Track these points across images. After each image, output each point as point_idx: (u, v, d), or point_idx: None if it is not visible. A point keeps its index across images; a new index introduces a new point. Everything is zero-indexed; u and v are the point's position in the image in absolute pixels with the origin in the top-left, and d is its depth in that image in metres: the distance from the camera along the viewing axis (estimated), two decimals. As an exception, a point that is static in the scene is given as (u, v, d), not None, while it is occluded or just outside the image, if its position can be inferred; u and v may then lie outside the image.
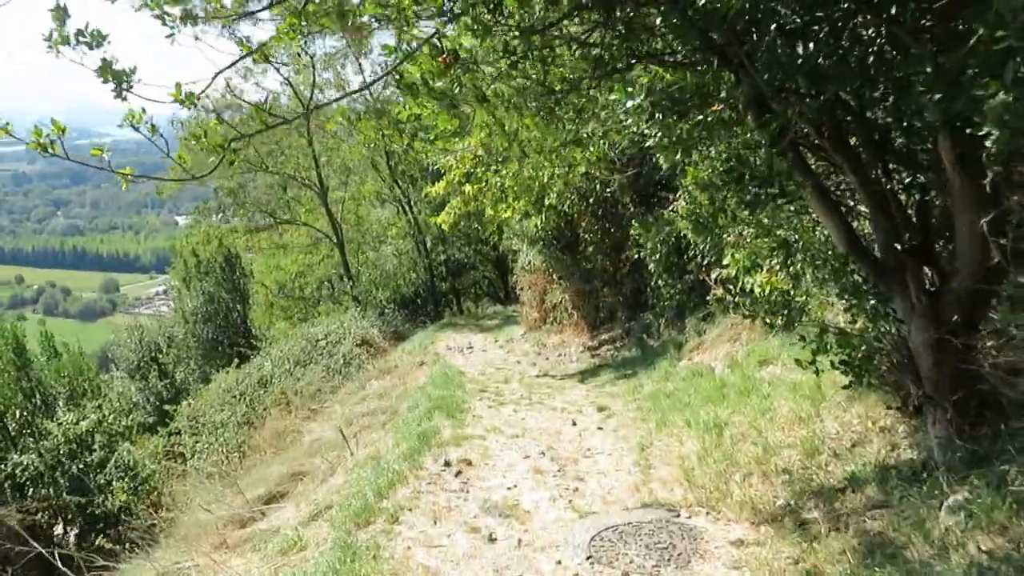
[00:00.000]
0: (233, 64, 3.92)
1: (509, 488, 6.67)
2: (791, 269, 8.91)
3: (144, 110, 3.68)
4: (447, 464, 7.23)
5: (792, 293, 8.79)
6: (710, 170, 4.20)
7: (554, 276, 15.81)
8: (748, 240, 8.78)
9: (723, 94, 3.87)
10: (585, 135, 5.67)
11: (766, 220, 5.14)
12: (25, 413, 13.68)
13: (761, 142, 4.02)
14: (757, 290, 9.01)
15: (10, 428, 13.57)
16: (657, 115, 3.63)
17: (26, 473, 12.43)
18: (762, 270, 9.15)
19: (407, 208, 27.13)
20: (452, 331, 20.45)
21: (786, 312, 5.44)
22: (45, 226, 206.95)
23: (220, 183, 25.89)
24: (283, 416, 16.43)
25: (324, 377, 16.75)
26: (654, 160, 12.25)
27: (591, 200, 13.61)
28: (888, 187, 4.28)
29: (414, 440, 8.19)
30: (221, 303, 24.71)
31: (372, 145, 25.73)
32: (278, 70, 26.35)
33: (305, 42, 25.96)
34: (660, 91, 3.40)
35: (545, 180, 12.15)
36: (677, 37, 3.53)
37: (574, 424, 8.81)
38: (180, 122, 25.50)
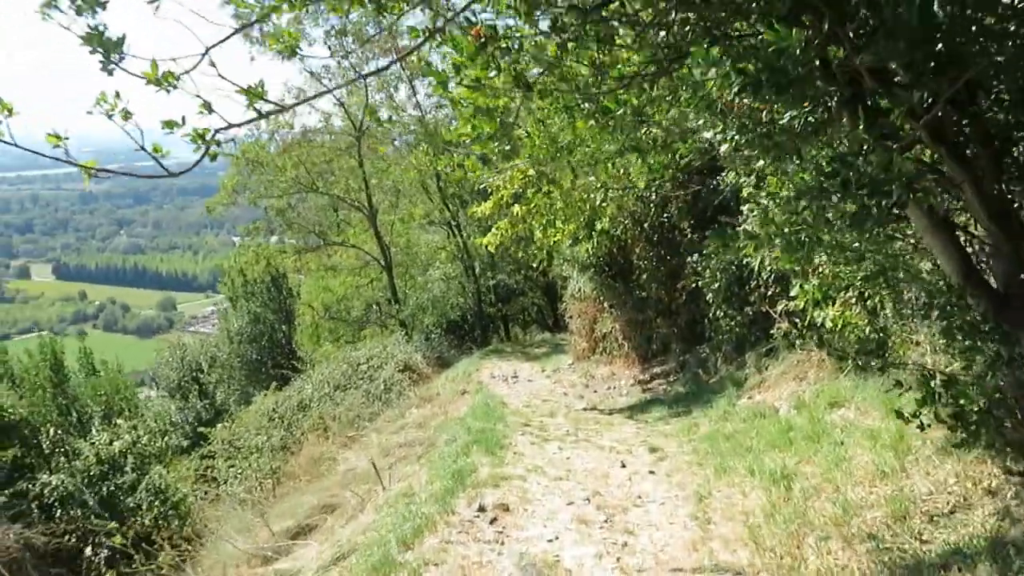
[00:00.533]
0: (221, 42, 3.32)
1: (550, 540, 5.95)
2: (868, 303, 8.09)
3: (118, 95, 3.09)
4: (482, 509, 6.54)
5: (868, 330, 7.98)
6: (805, 174, 3.46)
7: (605, 304, 15.09)
8: (823, 268, 8.01)
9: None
10: (644, 140, 4.94)
11: (856, 243, 4.35)
12: (59, 431, 13.36)
13: (870, 137, 3.28)
14: (828, 324, 8.21)
15: (44, 446, 13.25)
16: (743, 95, 2.93)
17: (55, 493, 12.06)
18: (834, 303, 8.34)
19: (456, 231, 26.70)
20: (497, 358, 19.80)
21: (882, 354, 4.57)
22: (108, 244, 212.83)
23: (270, 202, 25.77)
24: (320, 442, 15.95)
25: (364, 403, 16.22)
26: (715, 182, 11.54)
27: (645, 225, 12.90)
28: (1015, 205, 3.52)
29: (448, 479, 7.53)
30: (266, 324, 24.47)
31: (422, 168, 25.44)
32: (331, 91, 26.42)
33: (354, 61, 25.73)
34: (750, 53, 2.70)
35: (597, 203, 11.51)
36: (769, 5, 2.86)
37: (623, 466, 8.05)
38: (233, 140, 25.61)
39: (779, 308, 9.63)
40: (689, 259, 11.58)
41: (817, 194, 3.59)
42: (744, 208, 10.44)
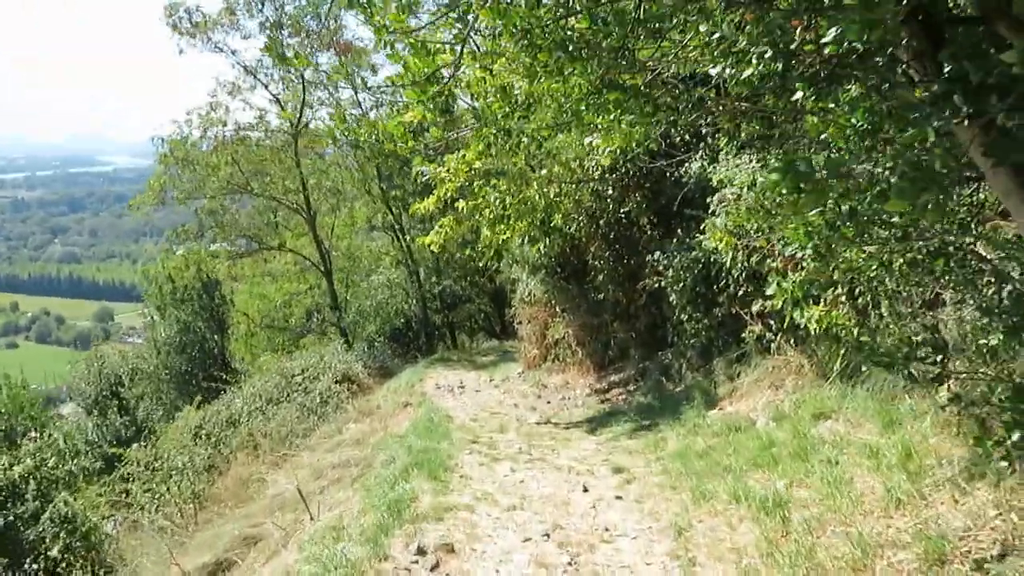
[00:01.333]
0: None
1: (503, 592, 4.90)
2: (860, 301, 7.23)
3: None
4: (421, 552, 5.43)
5: (857, 332, 7.13)
6: (857, 116, 2.48)
7: (557, 308, 14.12)
8: (805, 262, 7.07)
9: None
10: (628, 83, 3.88)
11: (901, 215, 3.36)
12: (-50, 455, 11.84)
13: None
14: (812, 327, 7.32)
15: (-69, 473, 11.72)
16: None
17: (-58, 526, 10.59)
18: (818, 302, 7.46)
19: (399, 235, 25.52)
20: (443, 368, 18.69)
21: (939, 360, 3.57)
22: (41, 253, 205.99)
23: (202, 204, 24.27)
24: (250, 461, 14.69)
25: (298, 417, 14.97)
26: (678, 174, 10.66)
27: (602, 222, 11.95)
28: None
29: (383, 510, 6.42)
30: (197, 333, 22.96)
31: (362, 165, 24.24)
32: (267, 86, 25.08)
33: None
34: None
35: (551, 196, 10.52)
36: None
37: (585, 490, 7.02)
38: (161, 139, 24.05)
39: (753, 309, 8.75)
40: (650, 257, 10.65)
41: (868, 147, 2.60)
42: (714, 199, 9.57)
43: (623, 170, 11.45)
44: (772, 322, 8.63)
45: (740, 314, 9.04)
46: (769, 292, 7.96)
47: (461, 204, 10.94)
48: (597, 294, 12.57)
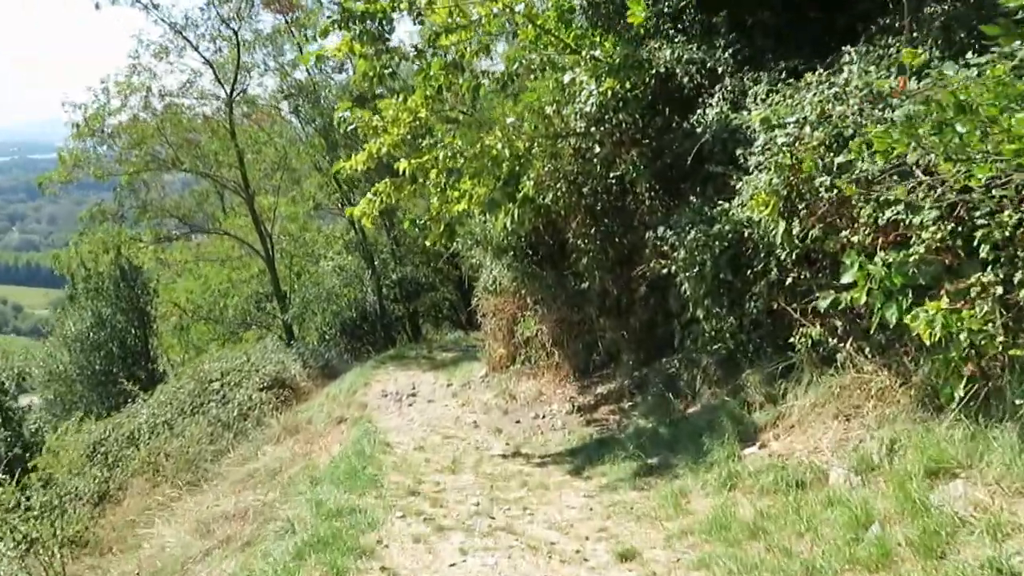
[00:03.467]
0: None
1: None
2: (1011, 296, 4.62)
3: None
4: None
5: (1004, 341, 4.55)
6: None
7: (528, 300, 11.42)
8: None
9: None
10: None
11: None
12: None
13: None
14: (922, 331, 4.73)
15: None
16: None
17: None
18: (936, 296, 4.86)
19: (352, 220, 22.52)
20: (396, 367, 15.92)
21: None
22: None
23: (122, 178, 21.17)
24: (148, 490, 11.97)
25: (210, 435, 12.20)
26: (689, 124, 8.07)
27: (586, 190, 9.26)
28: None
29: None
30: (115, 327, 19.98)
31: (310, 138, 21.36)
32: (196, 47, 21.95)
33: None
34: None
35: (523, 149, 7.83)
36: None
37: (579, 601, 4.37)
38: (73, 105, 20.89)
39: (807, 303, 6.13)
40: (650, 235, 8.00)
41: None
42: (755, 145, 6.91)
43: (614, 121, 8.78)
44: (838, 323, 6.03)
45: (786, 310, 6.42)
46: (845, 279, 5.39)
47: (403, 165, 8.20)
48: (579, 282, 9.91)
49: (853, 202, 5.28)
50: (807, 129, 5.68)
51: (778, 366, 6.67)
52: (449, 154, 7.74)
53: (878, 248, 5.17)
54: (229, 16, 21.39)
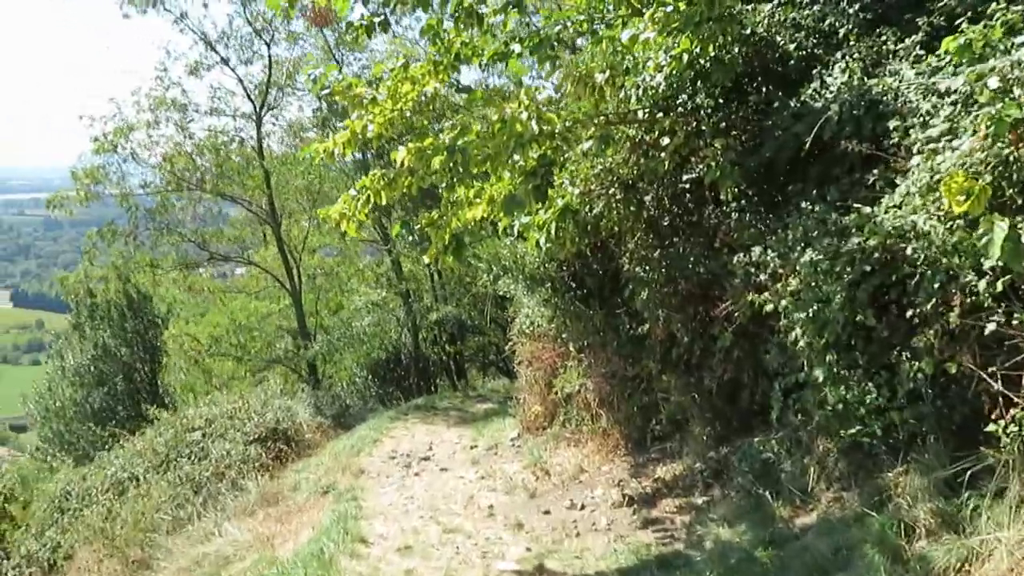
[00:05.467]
0: None
1: None
2: None
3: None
4: None
5: None
6: None
7: (570, 346, 8.95)
8: None
9: None
10: None
11: None
12: None
13: None
14: None
15: None
16: None
17: None
18: None
19: (388, 249, 20.25)
20: (418, 419, 13.58)
21: None
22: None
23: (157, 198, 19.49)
24: (95, 565, 9.76)
25: (174, 498, 9.91)
26: (795, 104, 5.65)
27: (648, 199, 6.81)
28: None
29: None
30: (119, 361, 18.08)
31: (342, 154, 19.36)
32: (227, 62, 20.28)
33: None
34: None
35: (559, 125, 5.46)
36: None
37: None
38: (91, 119, 19.27)
39: (1017, 366, 3.58)
40: (739, 258, 5.50)
41: None
42: (940, 112, 4.29)
43: (690, 105, 6.37)
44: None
45: (975, 375, 3.86)
46: None
47: (403, 153, 5.85)
48: (636, 325, 7.42)
49: None
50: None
51: (960, 468, 4.07)
52: (453, 132, 5.39)
53: None
54: (261, 28, 19.76)
